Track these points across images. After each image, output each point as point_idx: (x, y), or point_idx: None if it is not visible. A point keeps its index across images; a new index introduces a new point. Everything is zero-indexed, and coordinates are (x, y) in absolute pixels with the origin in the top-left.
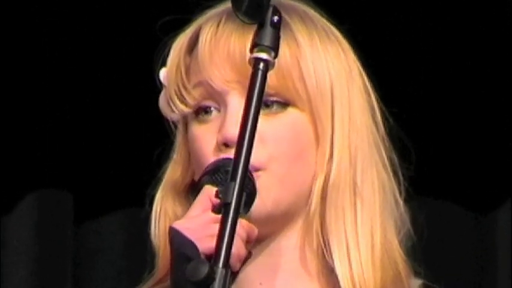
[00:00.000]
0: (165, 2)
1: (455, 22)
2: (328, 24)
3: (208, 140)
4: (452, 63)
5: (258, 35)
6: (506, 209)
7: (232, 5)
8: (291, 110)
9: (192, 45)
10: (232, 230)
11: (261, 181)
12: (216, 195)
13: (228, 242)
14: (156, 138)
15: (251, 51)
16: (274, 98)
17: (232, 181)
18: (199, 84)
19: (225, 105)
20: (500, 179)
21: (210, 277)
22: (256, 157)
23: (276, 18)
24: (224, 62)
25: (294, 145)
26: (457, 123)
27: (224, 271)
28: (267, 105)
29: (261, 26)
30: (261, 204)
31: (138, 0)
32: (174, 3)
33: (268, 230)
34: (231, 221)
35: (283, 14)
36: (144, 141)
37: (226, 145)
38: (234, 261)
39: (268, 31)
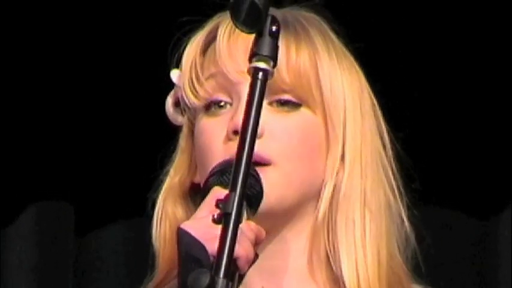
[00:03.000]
0: (176, 3)
1: (462, 43)
2: (343, 46)
3: (217, 132)
4: (453, 71)
5: (256, 44)
6: (508, 215)
7: (231, 15)
8: (303, 110)
9: (208, 43)
10: (233, 240)
11: (267, 176)
12: (216, 205)
13: (228, 252)
14: (156, 150)
15: (250, 60)
16: (289, 96)
17: (233, 191)
18: (214, 75)
19: (238, 96)
20: (502, 185)
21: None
22: (265, 150)
23: (274, 27)
24: (242, 54)
25: (304, 144)
26: (459, 129)
27: (225, 282)
28: (281, 104)
29: (259, 36)
30: (264, 198)
31: (146, 3)
32: (186, 5)
33: (269, 226)
34: (232, 232)
35: (304, 22)
36: (145, 152)
37: (237, 133)
38: (242, 263)
39: (267, 40)
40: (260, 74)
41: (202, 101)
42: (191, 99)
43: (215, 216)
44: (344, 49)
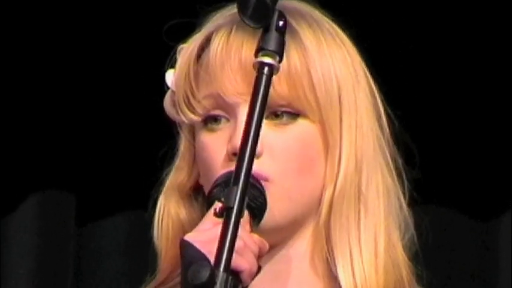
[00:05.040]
0: (171, 4)
1: (462, 24)
2: (334, 26)
3: (217, 150)
4: (459, 70)
5: (263, 39)
6: (509, 216)
7: (238, 9)
8: (301, 121)
9: (201, 52)
10: (234, 234)
11: (269, 193)
12: (219, 199)
13: (229, 246)
14: (159, 141)
15: (255, 55)
16: (285, 109)
17: (235, 185)
18: (210, 95)
19: (235, 116)
20: (502, 186)
21: (211, 281)
22: (265, 169)
23: (281, 22)
24: (235, 72)
25: (303, 158)
26: (461, 130)
27: (225, 275)
28: (277, 116)
29: (266, 31)
30: (269, 215)
31: (144, 2)
32: (180, 6)
33: (275, 239)
34: (233, 225)
35: (290, 19)
36: (147, 143)
37: (236, 155)
38: (246, 277)
39: (273, 35)
40: (266, 68)
41: (199, 116)
42: (187, 115)
43: (217, 210)
44: (335, 33)
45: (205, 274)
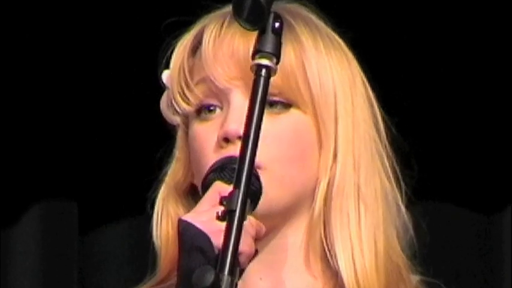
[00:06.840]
0: (168, 2)
1: (458, 28)
2: (332, 32)
3: (209, 138)
4: (454, 65)
5: (259, 41)
6: (511, 210)
7: (234, 12)
8: (293, 111)
9: (196, 46)
10: (237, 237)
11: (262, 180)
12: (220, 202)
13: (233, 249)
14: (160, 147)
15: (253, 57)
16: (278, 98)
17: (237, 188)
18: (202, 81)
19: (228, 103)
20: (504, 181)
21: (216, 285)
22: (258, 156)
23: (277, 24)
24: (228, 59)
25: (295, 146)
26: (461, 125)
27: (230, 279)
28: (271, 105)
29: (262, 32)
30: (264, 199)
31: (143, 4)
32: (178, 5)
33: (268, 226)
34: (236, 229)
35: (288, 17)
36: (148, 149)
37: (227, 140)
38: (244, 259)
39: (270, 37)
40: (263, 71)
41: (193, 106)
42: (181, 105)
43: (219, 214)
44: (334, 38)
45: (209, 278)
